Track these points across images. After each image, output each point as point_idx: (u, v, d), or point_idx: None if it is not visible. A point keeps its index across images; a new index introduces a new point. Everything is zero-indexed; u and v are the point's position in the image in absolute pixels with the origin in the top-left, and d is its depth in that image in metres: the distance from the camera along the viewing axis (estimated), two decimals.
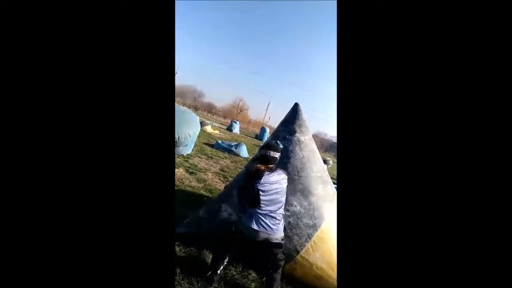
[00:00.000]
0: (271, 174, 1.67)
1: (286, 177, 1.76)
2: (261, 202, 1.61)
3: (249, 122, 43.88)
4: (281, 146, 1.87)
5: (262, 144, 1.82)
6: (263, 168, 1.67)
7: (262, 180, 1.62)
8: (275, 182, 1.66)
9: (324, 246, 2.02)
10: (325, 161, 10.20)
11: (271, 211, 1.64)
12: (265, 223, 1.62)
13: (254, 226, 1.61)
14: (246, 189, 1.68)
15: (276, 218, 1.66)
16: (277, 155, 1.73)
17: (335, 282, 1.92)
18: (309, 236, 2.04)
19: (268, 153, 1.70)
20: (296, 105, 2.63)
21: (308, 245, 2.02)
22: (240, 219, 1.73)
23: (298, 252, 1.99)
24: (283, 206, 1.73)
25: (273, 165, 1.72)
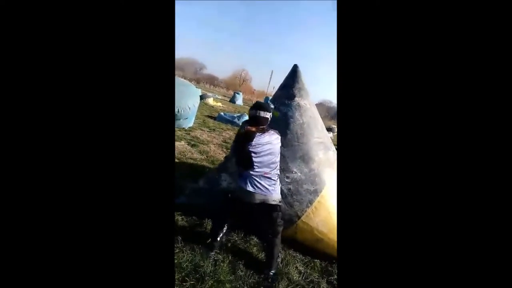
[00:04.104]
0: (263, 135, 1.60)
1: (279, 137, 1.70)
2: (254, 163, 1.58)
3: (253, 92, 42.84)
4: (272, 106, 1.79)
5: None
6: (253, 129, 1.60)
7: (253, 142, 1.57)
8: (267, 143, 1.61)
9: (324, 211, 2.01)
10: (330, 129, 10.04)
11: (265, 172, 1.61)
12: (261, 184, 1.60)
13: (249, 188, 1.59)
14: (238, 151, 1.65)
15: (271, 179, 1.63)
16: (268, 115, 1.64)
17: (335, 244, 1.94)
18: (310, 202, 2.02)
19: (258, 114, 1.62)
20: (295, 67, 2.45)
21: (309, 210, 2.01)
22: (236, 183, 1.71)
23: (299, 217, 2.00)
24: (278, 166, 1.69)
25: (264, 126, 1.64)
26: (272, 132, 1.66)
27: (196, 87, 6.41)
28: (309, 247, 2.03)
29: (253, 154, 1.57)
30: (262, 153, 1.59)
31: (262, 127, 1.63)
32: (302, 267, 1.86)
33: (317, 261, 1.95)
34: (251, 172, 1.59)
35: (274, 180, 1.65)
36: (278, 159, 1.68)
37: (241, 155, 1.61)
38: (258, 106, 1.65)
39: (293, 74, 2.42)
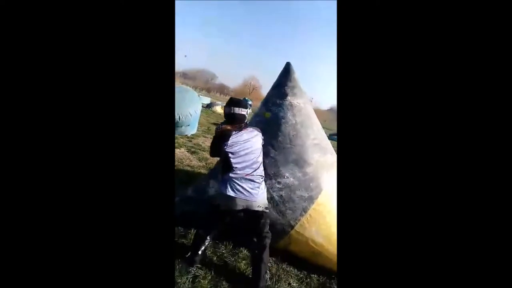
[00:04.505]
0: (240, 133, 1.46)
1: (260, 134, 1.55)
2: (233, 165, 1.42)
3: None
4: (249, 102, 1.65)
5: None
6: (229, 128, 1.46)
7: (229, 141, 1.42)
8: (245, 141, 1.46)
9: (321, 220, 1.81)
10: None
11: (246, 174, 1.45)
12: (242, 187, 1.43)
13: (230, 193, 1.43)
14: (215, 153, 1.52)
15: (254, 181, 1.46)
16: (243, 111, 1.51)
17: (334, 257, 1.73)
18: (304, 210, 1.83)
19: (232, 110, 1.48)
20: (287, 65, 2.30)
21: (303, 219, 1.81)
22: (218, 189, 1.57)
23: (292, 227, 1.80)
24: (261, 167, 1.52)
25: (241, 124, 1.50)
26: (251, 129, 1.52)
27: (207, 97, 6.35)
28: (304, 260, 1.82)
29: (230, 155, 1.43)
30: (240, 153, 1.45)
31: (238, 125, 1.48)
32: (296, 283, 1.66)
33: (314, 276, 1.74)
34: (231, 175, 1.44)
35: (257, 182, 1.48)
36: (260, 158, 1.53)
37: (219, 158, 1.48)
38: (232, 103, 1.51)
39: (285, 73, 2.27)
